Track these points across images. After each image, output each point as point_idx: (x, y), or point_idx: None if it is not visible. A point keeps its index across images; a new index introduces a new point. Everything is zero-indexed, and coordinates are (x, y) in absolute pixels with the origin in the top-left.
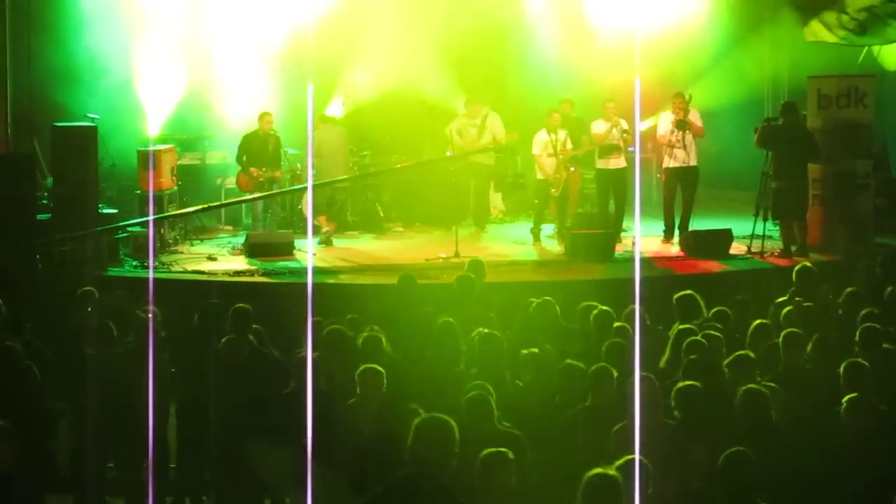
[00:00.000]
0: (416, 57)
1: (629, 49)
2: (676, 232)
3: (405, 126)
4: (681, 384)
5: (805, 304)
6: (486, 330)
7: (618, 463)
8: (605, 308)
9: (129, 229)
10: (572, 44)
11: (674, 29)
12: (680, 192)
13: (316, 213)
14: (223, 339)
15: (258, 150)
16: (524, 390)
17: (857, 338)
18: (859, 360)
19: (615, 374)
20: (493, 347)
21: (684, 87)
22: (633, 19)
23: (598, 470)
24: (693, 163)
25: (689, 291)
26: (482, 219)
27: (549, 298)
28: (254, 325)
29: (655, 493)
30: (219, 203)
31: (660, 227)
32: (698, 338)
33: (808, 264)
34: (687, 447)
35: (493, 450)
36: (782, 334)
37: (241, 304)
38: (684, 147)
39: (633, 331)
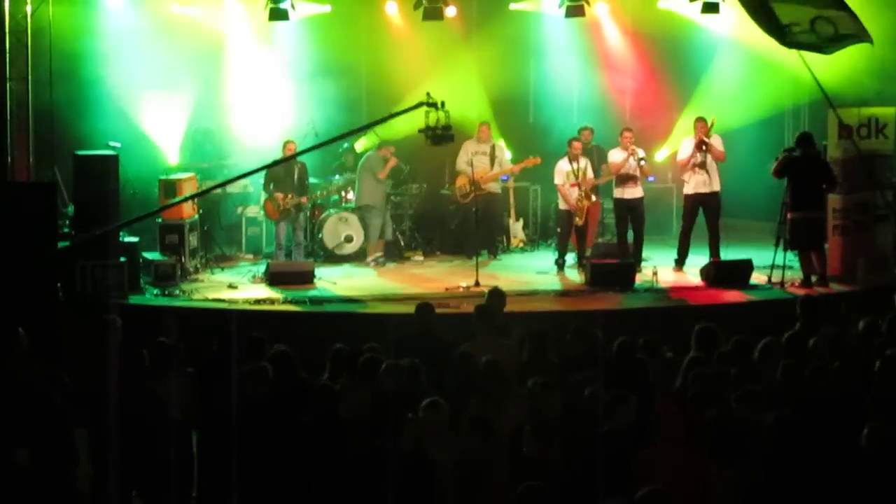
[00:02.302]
0: (437, 87)
1: (649, 77)
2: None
3: (425, 156)
4: (715, 413)
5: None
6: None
7: (639, 493)
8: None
9: (149, 256)
10: (594, 71)
11: (695, 60)
12: (703, 221)
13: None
14: (246, 368)
15: (284, 177)
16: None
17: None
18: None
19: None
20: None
21: (705, 112)
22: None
23: None
24: (716, 188)
25: (708, 324)
26: (494, 247)
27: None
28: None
29: None
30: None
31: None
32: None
33: (812, 295)
34: (712, 475)
35: (533, 483)
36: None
37: (255, 333)
38: (706, 171)
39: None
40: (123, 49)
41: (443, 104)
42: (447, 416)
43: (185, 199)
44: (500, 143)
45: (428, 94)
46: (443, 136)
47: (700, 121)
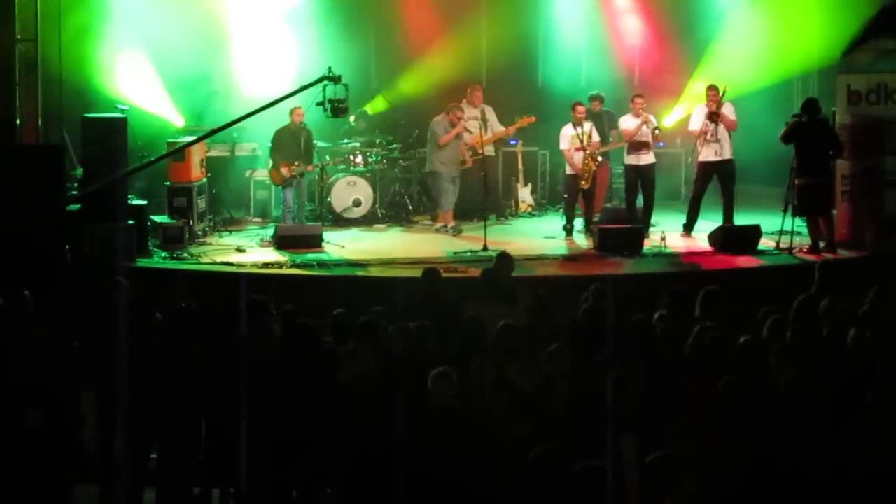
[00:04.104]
0: (446, 51)
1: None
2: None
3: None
4: (728, 378)
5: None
6: (506, 321)
7: (648, 459)
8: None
9: (157, 219)
10: (603, 33)
11: (704, 24)
12: (718, 187)
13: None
14: (249, 329)
15: (290, 144)
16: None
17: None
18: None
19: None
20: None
21: (714, 80)
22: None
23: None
24: (728, 156)
25: (713, 287)
26: (500, 209)
27: None
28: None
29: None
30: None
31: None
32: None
33: (830, 259)
34: (730, 440)
35: (546, 447)
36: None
37: (256, 295)
38: (717, 140)
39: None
40: (133, 11)
41: (339, 78)
42: (456, 385)
43: (188, 146)
44: (490, 107)
45: (329, 68)
46: (338, 109)
47: (712, 89)
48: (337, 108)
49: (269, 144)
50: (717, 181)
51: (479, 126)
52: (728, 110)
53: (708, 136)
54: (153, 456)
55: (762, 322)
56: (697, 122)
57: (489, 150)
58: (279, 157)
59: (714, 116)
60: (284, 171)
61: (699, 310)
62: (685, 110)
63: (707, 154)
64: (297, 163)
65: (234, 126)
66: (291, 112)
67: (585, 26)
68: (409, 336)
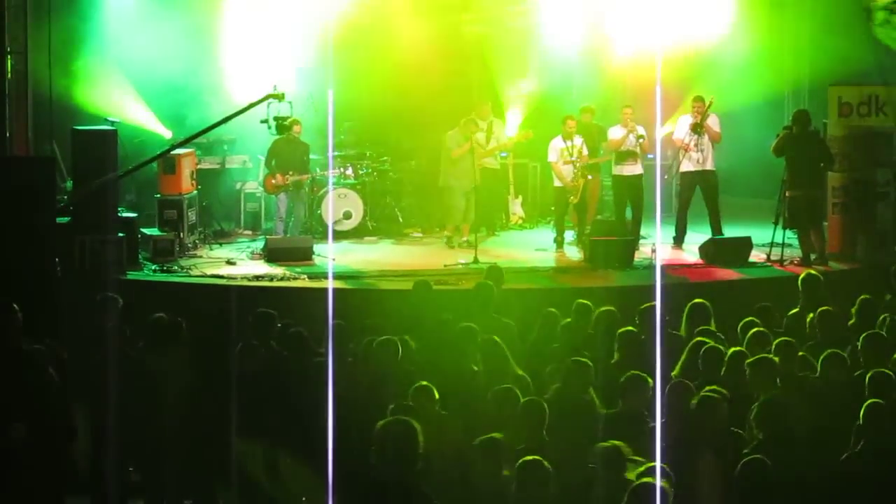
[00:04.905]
0: (436, 64)
1: (650, 54)
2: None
3: (424, 132)
4: (705, 393)
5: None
6: (491, 337)
7: (640, 469)
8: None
9: (148, 232)
10: (594, 48)
11: (695, 35)
12: (702, 200)
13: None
14: (241, 344)
15: (287, 154)
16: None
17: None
18: (884, 370)
19: (650, 381)
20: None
21: (705, 92)
22: (654, 25)
23: (645, 479)
24: (709, 166)
25: (700, 300)
26: (493, 223)
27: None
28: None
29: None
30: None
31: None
32: (715, 345)
33: (813, 272)
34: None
35: (531, 458)
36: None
37: (264, 309)
38: (700, 150)
39: (654, 337)
40: (123, 22)
41: (284, 96)
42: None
43: (173, 148)
44: (499, 120)
45: (275, 86)
46: (283, 126)
47: (697, 100)
48: (281, 126)
49: (262, 157)
50: (701, 193)
51: (483, 138)
52: (713, 122)
53: (691, 146)
54: (142, 469)
55: (744, 335)
56: (682, 131)
57: (490, 162)
58: (275, 166)
59: (697, 127)
60: (279, 177)
61: (685, 323)
62: (672, 125)
63: (688, 164)
64: (290, 172)
65: (225, 139)
66: (291, 126)
67: (578, 41)
68: (393, 349)
